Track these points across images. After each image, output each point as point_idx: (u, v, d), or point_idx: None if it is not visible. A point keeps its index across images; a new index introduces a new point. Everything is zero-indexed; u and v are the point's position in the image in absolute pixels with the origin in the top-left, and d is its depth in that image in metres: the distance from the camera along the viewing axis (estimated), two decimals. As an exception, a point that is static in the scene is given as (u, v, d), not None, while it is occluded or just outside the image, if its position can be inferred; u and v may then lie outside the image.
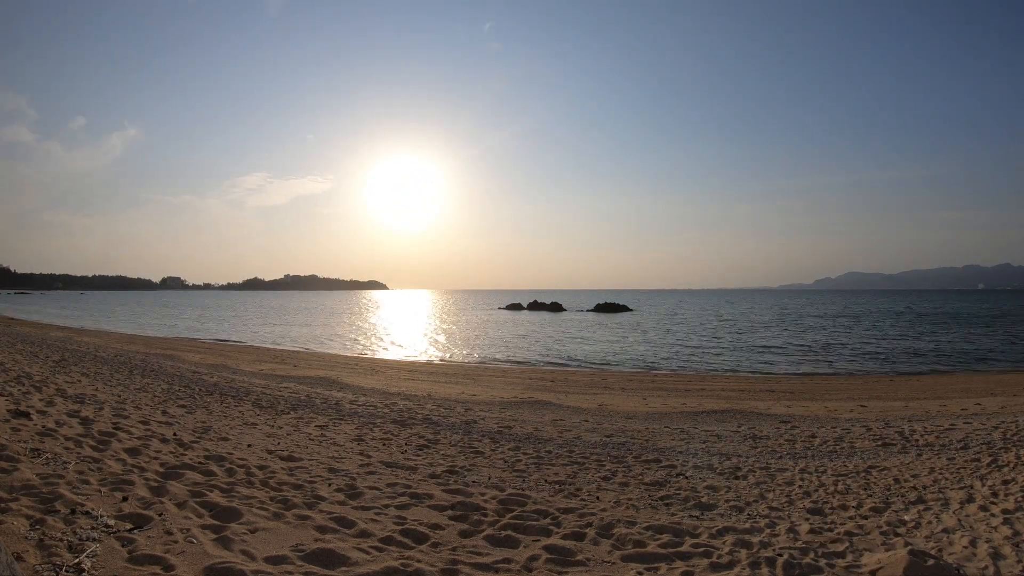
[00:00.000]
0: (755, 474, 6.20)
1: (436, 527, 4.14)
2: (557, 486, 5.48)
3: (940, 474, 6.10)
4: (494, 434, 8.13)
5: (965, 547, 4.08)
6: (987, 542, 4.15)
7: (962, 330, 40.33)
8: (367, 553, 3.55)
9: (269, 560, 3.30)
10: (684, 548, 3.98)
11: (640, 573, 3.59)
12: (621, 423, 9.75)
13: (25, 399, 6.95)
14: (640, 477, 5.97)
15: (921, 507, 5.03)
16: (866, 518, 4.77)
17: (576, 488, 5.44)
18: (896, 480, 5.92)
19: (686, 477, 6.03)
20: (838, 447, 7.73)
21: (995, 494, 5.29)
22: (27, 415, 5.94)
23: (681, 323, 50.89)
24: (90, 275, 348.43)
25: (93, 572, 2.85)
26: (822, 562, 3.78)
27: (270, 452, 5.95)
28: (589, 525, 4.35)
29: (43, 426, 5.58)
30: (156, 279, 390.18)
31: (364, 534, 3.87)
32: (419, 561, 3.49)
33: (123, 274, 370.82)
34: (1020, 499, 5.09)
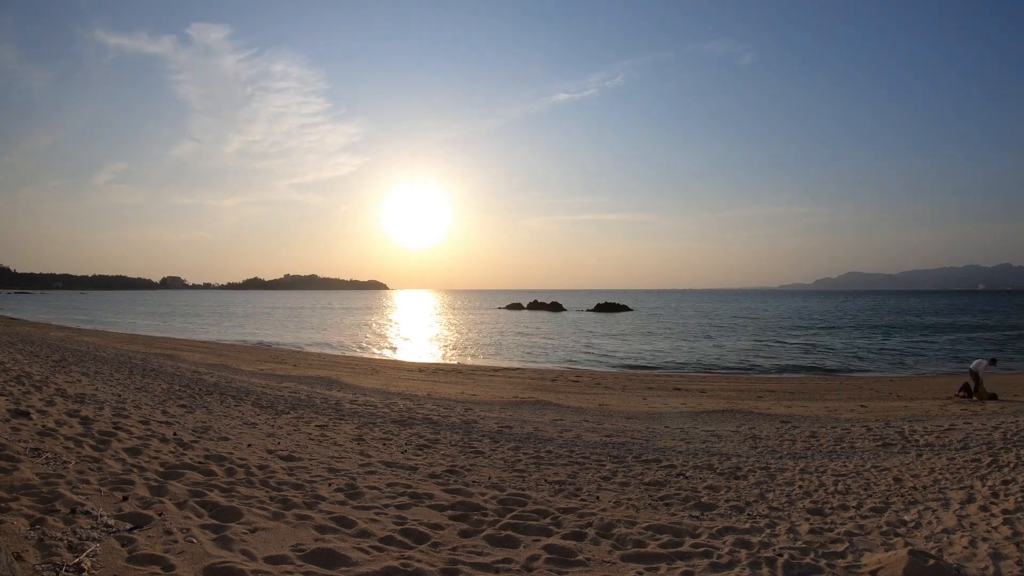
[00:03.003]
0: (755, 474, 6.19)
1: (436, 527, 4.14)
2: (557, 486, 5.48)
3: (940, 474, 6.10)
4: (494, 434, 8.13)
5: (965, 547, 4.08)
6: (987, 542, 4.15)
7: (963, 330, 40.32)
8: (367, 553, 3.54)
9: (269, 560, 3.29)
10: (684, 548, 3.98)
11: (640, 573, 3.59)
12: (621, 423, 9.75)
13: (25, 399, 6.94)
14: (640, 477, 5.97)
15: (921, 507, 5.03)
16: (866, 518, 4.77)
17: (576, 488, 5.44)
18: (896, 480, 5.92)
19: (686, 477, 6.03)
20: (838, 447, 7.73)
21: (995, 494, 5.29)
22: (27, 415, 5.94)
23: (681, 323, 50.89)
24: (90, 275, 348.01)
25: (93, 572, 2.85)
26: (822, 562, 3.78)
27: (270, 452, 5.94)
28: (589, 525, 4.35)
29: (43, 426, 5.58)
30: (156, 279, 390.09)
31: (364, 534, 3.87)
32: (419, 561, 3.48)
33: (123, 274, 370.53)
34: (1020, 499, 5.08)
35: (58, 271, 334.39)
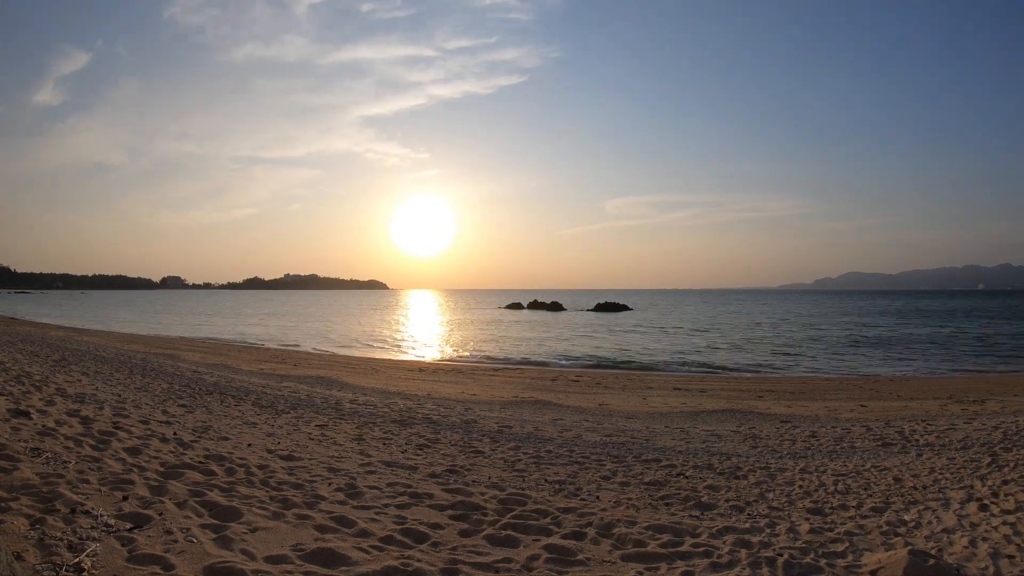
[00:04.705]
0: (755, 474, 6.20)
1: (436, 527, 4.14)
2: (557, 486, 5.48)
3: (940, 474, 6.10)
4: (494, 434, 8.13)
5: (965, 547, 4.08)
6: (987, 542, 4.15)
7: (964, 331, 40.32)
8: (367, 553, 3.54)
9: (269, 559, 3.29)
10: (684, 548, 3.98)
11: (640, 573, 3.59)
12: (621, 423, 9.76)
13: (25, 398, 6.94)
14: (640, 477, 5.97)
15: (921, 507, 5.03)
16: (866, 518, 4.77)
17: (576, 488, 5.44)
18: (896, 480, 5.92)
19: (686, 477, 6.03)
20: (838, 447, 7.73)
21: (995, 494, 5.29)
22: (27, 414, 5.94)
23: (681, 323, 50.88)
24: (90, 275, 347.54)
25: (93, 572, 2.85)
26: (822, 562, 3.78)
27: (270, 451, 5.94)
28: (589, 525, 4.35)
29: (43, 425, 5.58)
30: (156, 278, 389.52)
31: (364, 533, 3.87)
32: (419, 560, 3.48)
33: (123, 273, 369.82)
34: (1020, 499, 5.08)
35: (58, 271, 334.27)
